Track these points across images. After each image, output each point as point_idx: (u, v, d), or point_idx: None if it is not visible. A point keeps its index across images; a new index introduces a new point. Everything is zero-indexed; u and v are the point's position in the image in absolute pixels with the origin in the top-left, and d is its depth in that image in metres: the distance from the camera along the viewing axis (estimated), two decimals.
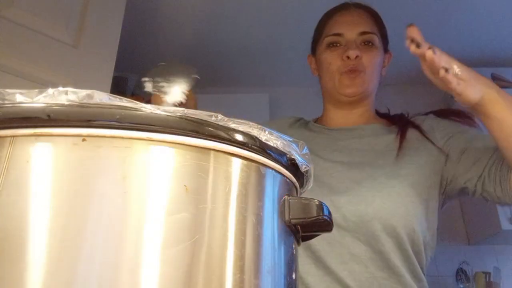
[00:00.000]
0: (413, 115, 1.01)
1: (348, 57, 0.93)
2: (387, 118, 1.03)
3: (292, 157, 0.38)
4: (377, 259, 0.81)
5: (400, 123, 0.97)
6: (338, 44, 0.97)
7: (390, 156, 0.89)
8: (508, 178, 0.78)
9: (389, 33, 1.04)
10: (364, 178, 0.86)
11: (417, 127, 0.93)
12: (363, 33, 0.96)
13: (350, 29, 0.97)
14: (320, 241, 0.82)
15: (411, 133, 0.93)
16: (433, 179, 0.87)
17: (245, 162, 0.34)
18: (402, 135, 0.92)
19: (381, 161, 0.89)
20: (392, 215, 0.81)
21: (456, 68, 0.67)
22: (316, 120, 1.08)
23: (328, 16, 1.04)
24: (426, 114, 0.99)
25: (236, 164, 0.34)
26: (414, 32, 0.68)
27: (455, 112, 0.95)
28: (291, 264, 0.37)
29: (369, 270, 0.80)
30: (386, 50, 1.03)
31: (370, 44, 0.96)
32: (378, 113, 1.05)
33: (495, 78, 2.35)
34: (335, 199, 0.84)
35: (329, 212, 0.38)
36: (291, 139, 0.38)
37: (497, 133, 0.73)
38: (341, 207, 0.83)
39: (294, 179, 0.40)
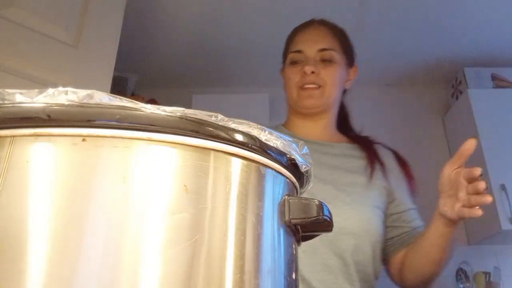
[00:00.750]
0: (377, 141, 1.07)
1: (305, 72, 0.99)
2: (350, 136, 1.09)
3: (292, 157, 0.38)
4: (345, 272, 0.86)
5: (367, 151, 1.03)
6: (299, 61, 1.03)
7: (360, 177, 0.96)
8: (394, 254, 0.95)
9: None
10: (339, 193, 0.91)
11: (382, 165, 1.01)
12: (322, 49, 1.02)
13: (309, 46, 1.03)
14: None
15: (377, 164, 1.01)
16: (386, 206, 0.97)
17: (245, 162, 0.34)
18: (372, 166, 0.99)
19: (350, 180, 0.95)
20: (365, 231, 0.88)
21: None
22: (283, 124, 1.12)
23: (293, 34, 1.10)
24: (389, 149, 1.07)
25: (236, 164, 0.34)
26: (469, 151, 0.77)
27: (409, 173, 1.05)
28: (291, 264, 0.37)
29: (338, 281, 0.86)
30: (351, 64, 1.09)
31: (330, 60, 1.01)
32: (340, 127, 1.10)
33: (495, 78, 2.35)
34: None
35: (329, 212, 0.38)
36: (291, 139, 0.38)
37: (427, 248, 0.86)
38: None
39: (294, 179, 0.40)
